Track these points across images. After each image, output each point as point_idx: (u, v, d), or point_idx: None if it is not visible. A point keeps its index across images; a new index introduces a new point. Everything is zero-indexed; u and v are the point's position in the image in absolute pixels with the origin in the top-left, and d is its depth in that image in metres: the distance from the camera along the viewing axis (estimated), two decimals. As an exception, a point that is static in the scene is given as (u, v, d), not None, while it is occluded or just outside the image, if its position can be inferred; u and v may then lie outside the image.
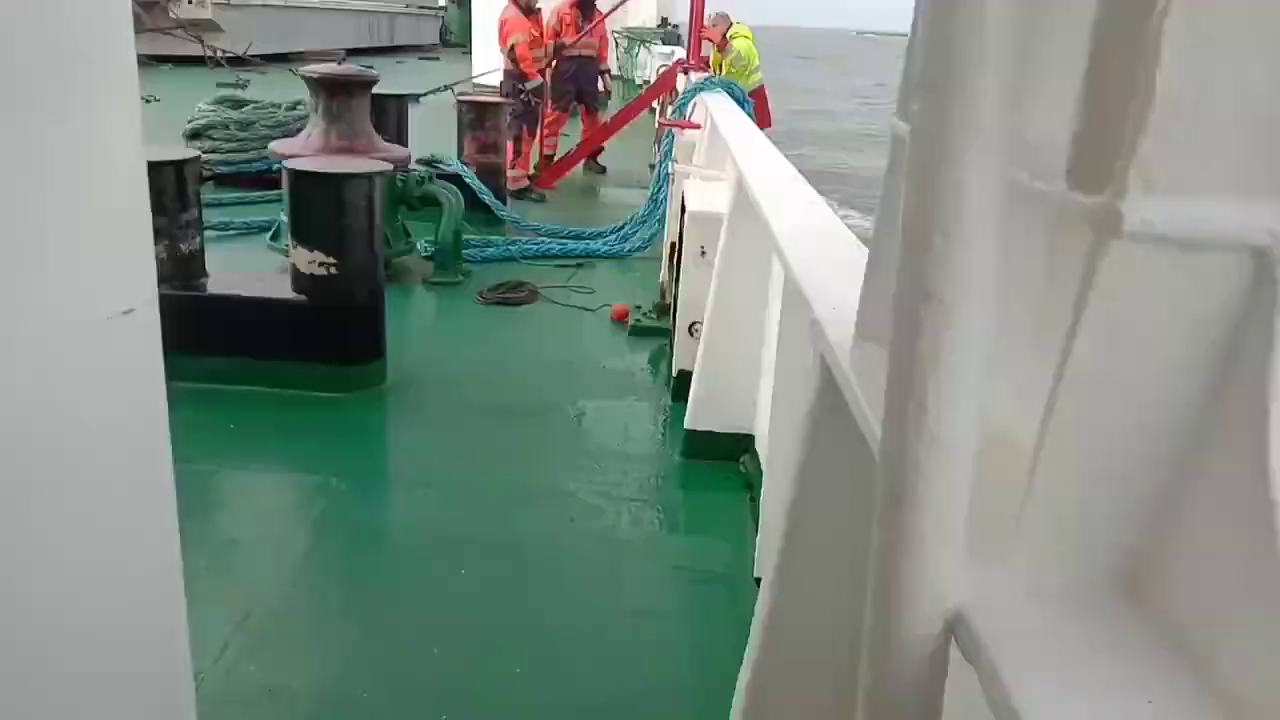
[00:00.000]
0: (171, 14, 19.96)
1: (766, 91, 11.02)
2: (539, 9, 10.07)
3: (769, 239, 2.53)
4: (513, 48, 9.61)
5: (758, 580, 3.27)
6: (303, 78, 6.74)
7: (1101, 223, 0.66)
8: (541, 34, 10.08)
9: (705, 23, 10.12)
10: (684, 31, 11.45)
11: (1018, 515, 0.80)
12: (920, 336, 0.69)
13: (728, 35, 11.03)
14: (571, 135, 11.32)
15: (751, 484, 4.01)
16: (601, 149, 11.25)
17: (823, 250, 2.15)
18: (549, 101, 10.47)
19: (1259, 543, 0.69)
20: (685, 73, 9.40)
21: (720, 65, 10.60)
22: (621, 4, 15.71)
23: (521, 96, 9.68)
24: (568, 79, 10.69)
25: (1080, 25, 0.73)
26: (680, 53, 10.41)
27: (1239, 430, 0.71)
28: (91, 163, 1.65)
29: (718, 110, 5.79)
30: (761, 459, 3.89)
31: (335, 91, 6.55)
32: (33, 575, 1.53)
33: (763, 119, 10.09)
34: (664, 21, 26.12)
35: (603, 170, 11.42)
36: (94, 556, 1.63)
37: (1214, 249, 0.66)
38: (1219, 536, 0.74)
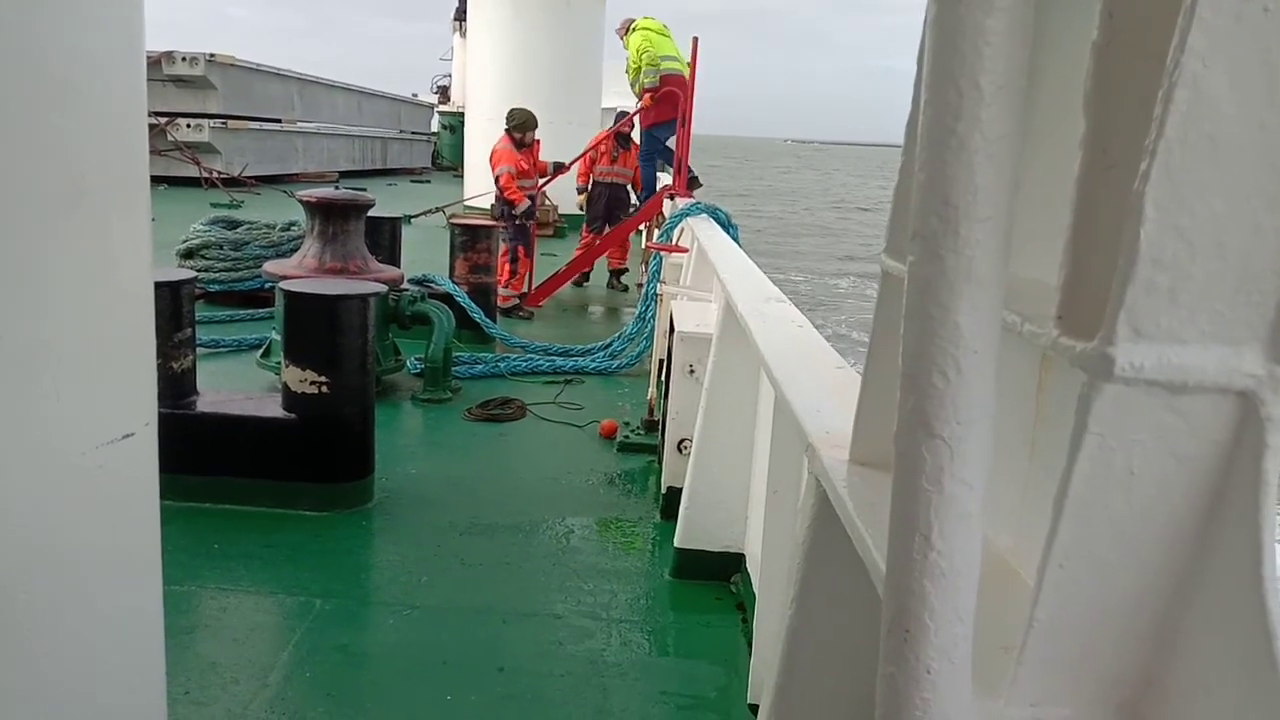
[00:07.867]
0: (170, 137, 20.49)
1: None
2: (535, 142, 10.16)
3: (757, 359, 2.58)
4: (497, 178, 9.87)
5: (752, 707, 3.20)
6: (300, 201, 6.89)
7: (1093, 366, 0.69)
8: (532, 166, 10.17)
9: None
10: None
11: (1021, 646, 0.81)
12: (923, 472, 0.72)
13: (631, 29, 10.39)
14: (560, 255, 11.53)
15: (743, 604, 3.96)
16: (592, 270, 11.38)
17: (811, 372, 2.20)
18: (586, 225, 11.02)
19: (1258, 670, 0.71)
20: (671, 198, 9.66)
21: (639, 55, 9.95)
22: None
23: (515, 221, 9.91)
24: (601, 203, 11.02)
25: (1065, 178, 0.78)
26: (666, 179, 10.65)
27: (1233, 561, 0.73)
28: (100, 284, 1.67)
29: (704, 234, 5.96)
30: (754, 578, 3.85)
31: (331, 215, 6.69)
32: (13, 700, 1.50)
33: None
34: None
35: (625, 289, 11.57)
36: (80, 685, 1.59)
37: (1201, 392, 0.70)
38: (1218, 665, 0.75)
